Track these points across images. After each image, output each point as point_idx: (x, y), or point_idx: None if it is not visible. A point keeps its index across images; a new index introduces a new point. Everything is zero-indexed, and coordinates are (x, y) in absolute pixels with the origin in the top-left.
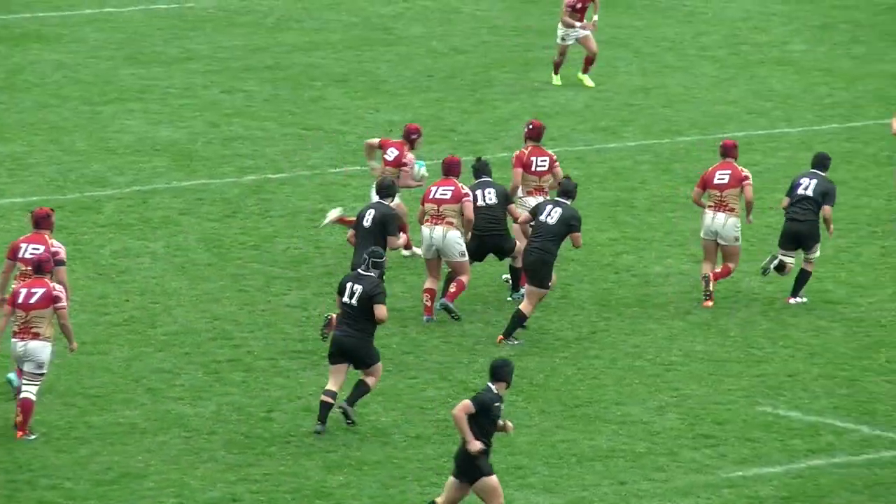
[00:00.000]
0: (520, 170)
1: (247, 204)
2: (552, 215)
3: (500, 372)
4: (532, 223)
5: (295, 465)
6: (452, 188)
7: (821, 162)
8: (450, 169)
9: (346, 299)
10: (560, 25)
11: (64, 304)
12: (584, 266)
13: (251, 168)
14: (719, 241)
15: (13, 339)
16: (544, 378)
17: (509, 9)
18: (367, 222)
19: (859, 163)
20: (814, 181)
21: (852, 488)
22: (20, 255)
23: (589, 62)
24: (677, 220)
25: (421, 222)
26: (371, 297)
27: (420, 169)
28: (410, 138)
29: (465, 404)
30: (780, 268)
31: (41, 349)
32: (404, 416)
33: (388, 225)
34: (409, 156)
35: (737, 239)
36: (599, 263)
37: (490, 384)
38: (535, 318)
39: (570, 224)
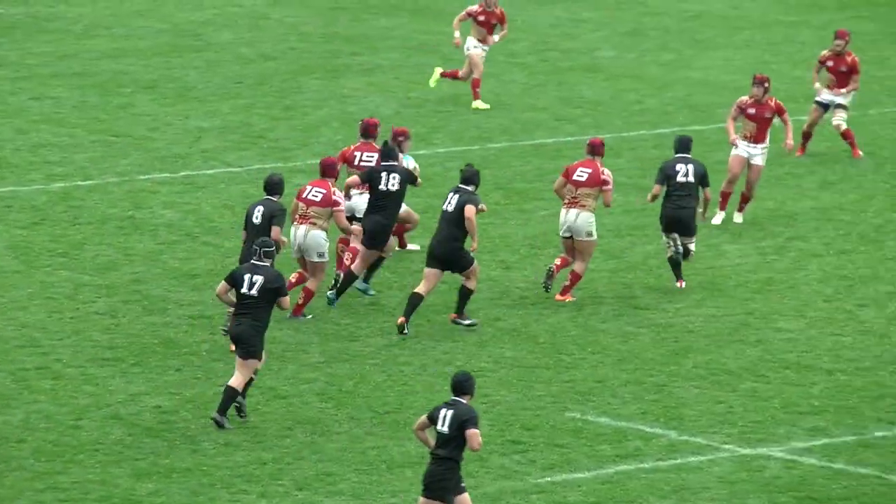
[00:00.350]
0: (342, 164)
1: (55, 211)
2: (451, 202)
3: (465, 385)
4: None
5: (103, 472)
6: (324, 192)
7: (685, 146)
8: (325, 171)
9: (245, 290)
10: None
11: None
12: (394, 273)
13: (60, 175)
14: (574, 236)
15: None
16: (353, 385)
17: (318, 15)
18: (256, 219)
19: None
20: (690, 166)
21: (660, 493)
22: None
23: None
24: (487, 227)
25: (292, 220)
26: (276, 290)
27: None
28: (397, 140)
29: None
30: (686, 253)
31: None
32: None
33: (275, 219)
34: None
35: (589, 234)
36: (409, 270)
37: (458, 398)
38: (346, 324)
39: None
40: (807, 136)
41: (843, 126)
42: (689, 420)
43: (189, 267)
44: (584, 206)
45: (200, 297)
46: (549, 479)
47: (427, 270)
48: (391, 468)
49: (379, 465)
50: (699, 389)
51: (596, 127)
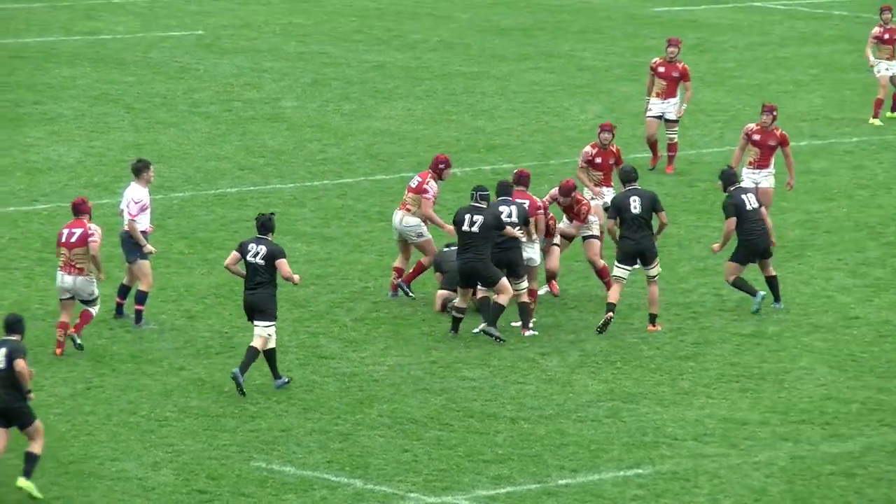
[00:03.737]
0: None
1: None
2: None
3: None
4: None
5: None
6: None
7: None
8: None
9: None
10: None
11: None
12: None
13: None
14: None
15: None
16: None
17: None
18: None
19: (350, 218)
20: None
21: None
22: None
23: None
24: (171, 276)
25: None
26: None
27: None
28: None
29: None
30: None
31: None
32: None
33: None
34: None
35: (419, 235)
36: (94, 319)
37: None
38: None
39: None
40: (654, 146)
41: (675, 139)
42: (374, 469)
43: None
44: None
45: None
46: None
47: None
48: None
49: None
50: (384, 438)
51: (280, 176)
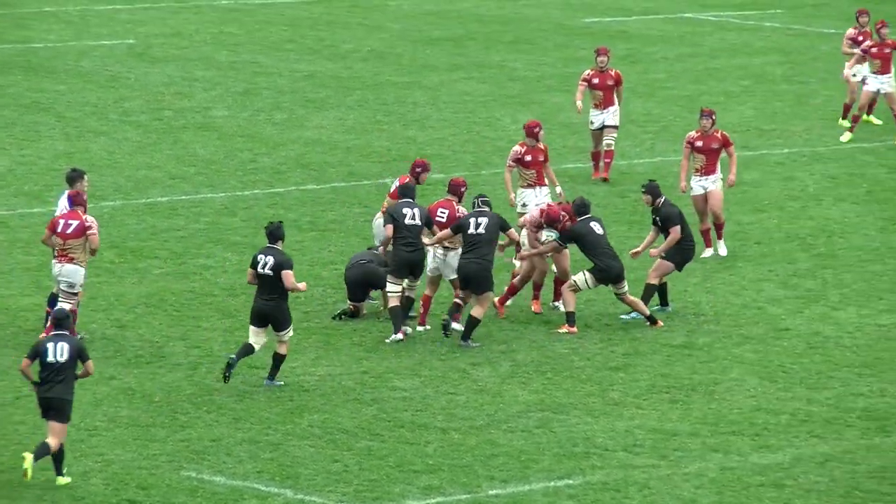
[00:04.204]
0: None
1: None
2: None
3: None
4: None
5: None
6: (76, 222)
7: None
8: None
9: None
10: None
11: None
12: (6, 330)
13: None
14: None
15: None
16: None
17: None
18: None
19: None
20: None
21: None
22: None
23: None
24: (101, 286)
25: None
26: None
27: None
28: (459, 192)
29: None
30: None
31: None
32: None
33: (281, 268)
34: (462, 209)
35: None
36: (23, 329)
37: None
38: None
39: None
40: (596, 156)
41: (613, 146)
42: (304, 479)
43: None
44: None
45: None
46: None
47: None
48: None
49: None
50: (315, 448)
51: (211, 186)
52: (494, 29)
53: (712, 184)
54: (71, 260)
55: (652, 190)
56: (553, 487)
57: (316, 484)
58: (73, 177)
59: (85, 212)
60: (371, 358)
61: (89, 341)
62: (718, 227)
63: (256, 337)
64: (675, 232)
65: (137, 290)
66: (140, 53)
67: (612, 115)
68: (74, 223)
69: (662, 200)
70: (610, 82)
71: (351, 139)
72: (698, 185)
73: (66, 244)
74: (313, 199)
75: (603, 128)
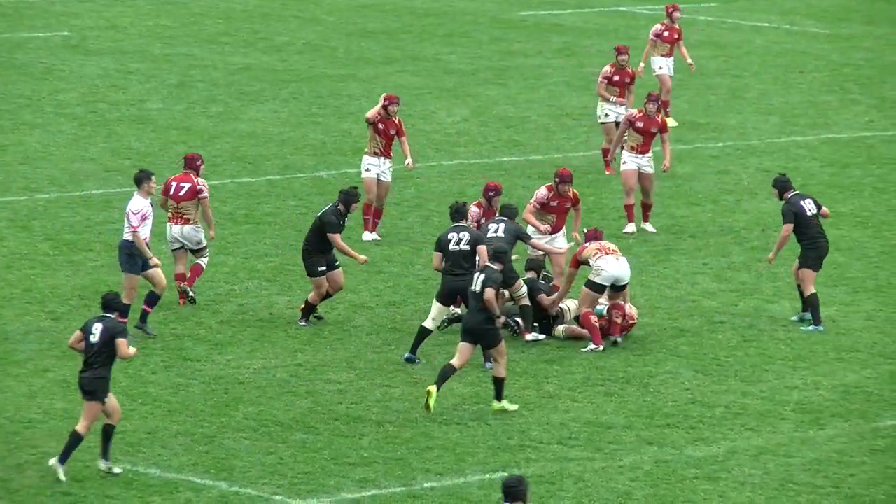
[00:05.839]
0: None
1: None
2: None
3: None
4: None
5: None
6: (188, 184)
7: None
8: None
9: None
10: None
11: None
12: None
13: None
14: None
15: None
16: None
17: None
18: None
19: (215, 221)
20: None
21: None
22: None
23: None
24: (36, 278)
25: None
26: None
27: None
28: (488, 195)
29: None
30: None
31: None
32: None
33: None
34: (476, 211)
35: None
36: None
37: None
38: None
39: None
40: (606, 153)
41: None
42: (239, 471)
43: None
44: (187, 220)
45: None
46: None
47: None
48: None
49: None
50: (249, 441)
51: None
52: (429, 22)
53: (647, 164)
54: (186, 221)
55: (776, 183)
56: (488, 480)
57: (251, 476)
58: (140, 178)
59: (197, 175)
60: (306, 351)
61: (23, 333)
62: (646, 207)
63: None
64: (785, 230)
65: (72, 283)
66: (75, 46)
67: (625, 111)
68: (186, 185)
69: (790, 195)
70: (627, 80)
71: (286, 132)
72: (633, 161)
73: (180, 206)
74: (248, 192)
75: (617, 122)
